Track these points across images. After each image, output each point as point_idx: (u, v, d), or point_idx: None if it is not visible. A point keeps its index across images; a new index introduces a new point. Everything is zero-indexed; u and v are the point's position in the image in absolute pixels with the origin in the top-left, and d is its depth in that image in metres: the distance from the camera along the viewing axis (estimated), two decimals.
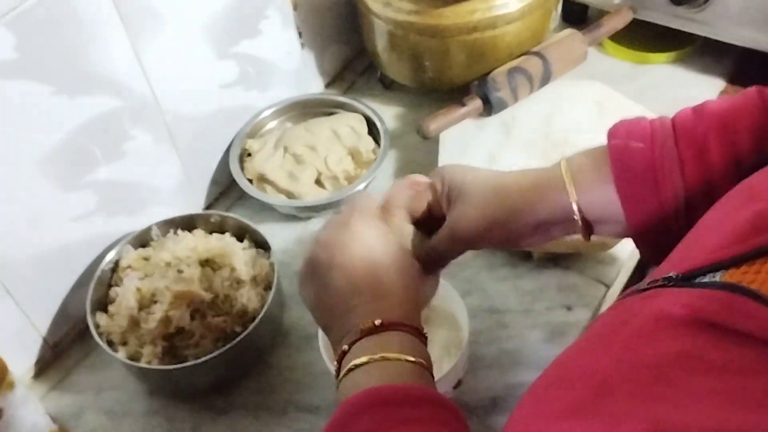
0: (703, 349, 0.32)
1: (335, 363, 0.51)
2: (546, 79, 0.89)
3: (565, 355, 0.41)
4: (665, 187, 0.51)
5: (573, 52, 0.91)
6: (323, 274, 0.54)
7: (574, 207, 0.53)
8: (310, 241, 0.56)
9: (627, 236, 0.55)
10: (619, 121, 0.55)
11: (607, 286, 0.77)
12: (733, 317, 0.32)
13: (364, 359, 0.48)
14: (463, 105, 0.87)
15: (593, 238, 0.56)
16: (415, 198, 0.60)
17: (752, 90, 0.52)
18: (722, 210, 0.44)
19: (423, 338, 0.52)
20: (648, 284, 0.41)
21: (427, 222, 0.60)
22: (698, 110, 0.53)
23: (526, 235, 0.56)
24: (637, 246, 0.55)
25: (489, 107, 0.87)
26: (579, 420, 0.33)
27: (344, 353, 0.50)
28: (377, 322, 0.49)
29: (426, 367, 0.49)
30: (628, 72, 0.99)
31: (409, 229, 0.58)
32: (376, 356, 0.48)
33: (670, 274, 0.40)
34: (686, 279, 0.39)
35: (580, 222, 0.54)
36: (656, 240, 0.53)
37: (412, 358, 0.48)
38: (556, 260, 0.78)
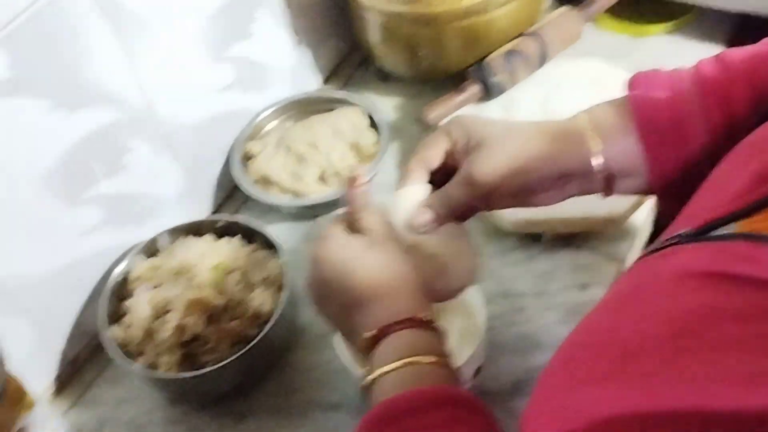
0: (726, 300, 0.32)
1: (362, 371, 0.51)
2: (543, 60, 0.88)
3: (588, 320, 0.40)
4: (690, 138, 0.50)
5: (568, 30, 0.90)
6: (324, 305, 0.54)
7: (596, 159, 0.52)
8: (304, 285, 0.57)
9: (647, 192, 0.55)
10: (637, 72, 0.54)
11: (621, 262, 0.76)
12: (751, 265, 0.32)
13: (371, 377, 0.47)
14: (462, 92, 0.87)
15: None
16: (430, 151, 0.57)
17: None
18: (731, 164, 0.44)
19: (431, 327, 0.50)
20: (664, 242, 0.41)
21: (444, 177, 0.57)
22: (721, 59, 0.52)
23: (545, 187, 0.54)
24: (659, 199, 0.55)
25: (488, 92, 0.87)
26: (609, 384, 0.32)
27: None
28: (368, 335, 0.49)
29: (437, 361, 0.47)
30: (625, 46, 0.98)
31: (424, 189, 0.57)
32: (382, 369, 0.47)
33: (686, 231, 0.39)
34: (699, 234, 0.39)
35: (600, 176, 0.53)
36: (678, 193, 0.51)
37: (422, 359, 0.47)
38: (568, 240, 0.78)
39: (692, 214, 0.43)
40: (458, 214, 0.57)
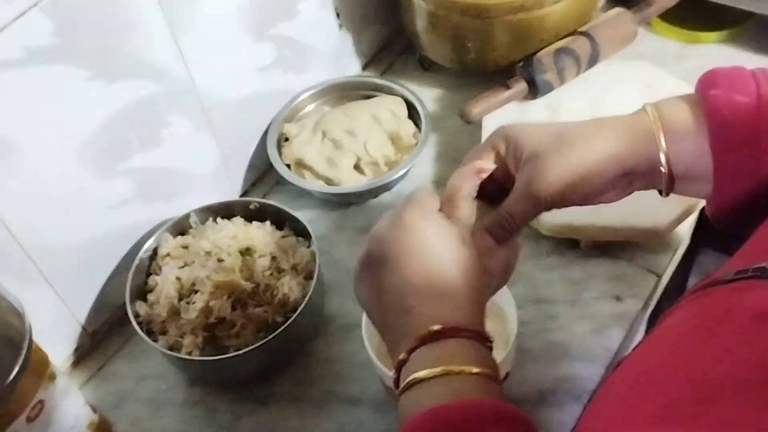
0: None
1: (393, 372, 0.47)
2: (594, 60, 0.86)
3: (647, 351, 0.38)
4: (766, 154, 0.46)
5: (621, 31, 0.87)
6: (377, 271, 0.49)
7: (662, 158, 0.48)
8: (366, 238, 0.52)
9: (708, 198, 0.51)
10: (712, 69, 0.50)
11: (658, 276, 0.74)
12: None
13: (424, 373, 0.43)
14: (508, 88, 0.84)
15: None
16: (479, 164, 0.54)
17: None
18: None
19: (487, 343, 0.47)
20: (735, 274, 0.38)
21: (491, 190, 0.54)
22: None
23: (610, 187, 0.50)
24: (715, 213, 0.51)
25: (534, 90, 0.84)
26: (679, 427, 0.30)
27: (403, 362, 0.46)
28: (435, 327, 0.45)
29: (492, 376, 0.44)
30: (677, 52, 0.95)
31: (471, 207, 0.53)
32: (437, 369, 0.43)
33: (763, 265, 0.37)
34: None
35: (665, 174, 0.49)
36: (739, 211, 0.48)
37: (477, 369, 0.43)
38: (605, 249, 0.76)
39: None
40: (521, 228, 0.53)
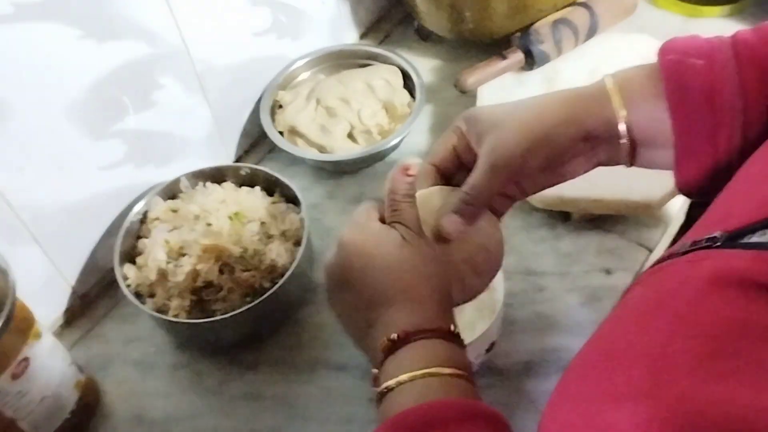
0: (766, 316, 0.30)
1: (373, 389, 0.46)
2: (592, 32, 0.85)
3: (608, 329, 0.38)
4: (723, 113, 0.45)
5: (622, 3, 0.86)
6: (339, 297, 0.50)
7: (621, 125, 0.48)
8: (323, 269, 0.51)
9: (671, 168, 0.50)
10: (672, 38, 0.50)
11: (649, 250, 0.74)
12: None
13: (392, 383, 0.43)
14: (504, 58, 0.83)
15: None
16: (438, 149, 0.55)
17: None
18: (762, 163, 0.41)
19: (454, 337, 0.46)
20: (690, 245, 0.38)
21: (461, 175, 0.53)
22: (760, 30, 0.47)
23: (572, 153, 0.50)
24: (679, 178, 0.50)
25: (531, 61, 0.84)
26: (638, 402, 0.30)
27: (376, 376, 0.46)
28: (393, 336, 0.45)
29: (459, 374, 0.44)
30: (679, 25, 0.94)
31: (440, 191, 0.53)
32: (404, 377, 0.43)
33: (715, 234, 0.37)
34: (733, 238, 0.36)
35: (625, 142, 0.49)
36: (704, 179, 0.48)
37: (446, 370, 0.43)
38: (596, 222, 0.75)
39: (724, 215, 0.40)
40: (489, 205, 0.52)
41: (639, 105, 0.48)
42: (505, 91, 0.83)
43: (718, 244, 0.36)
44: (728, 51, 0.46)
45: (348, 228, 0.50)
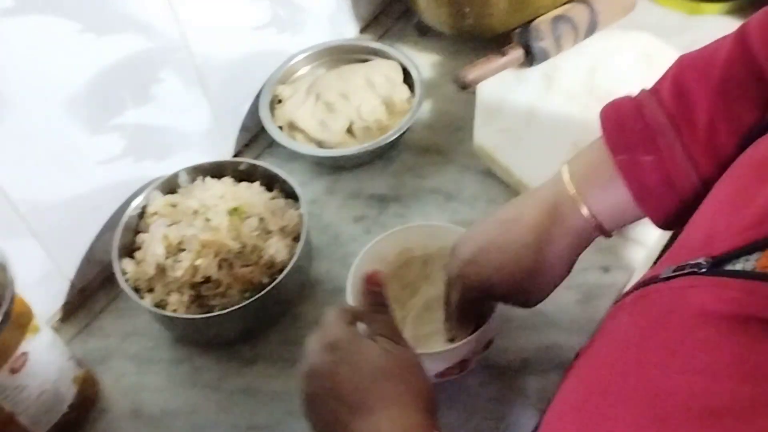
0: (760, 352, 0.30)
1: None
2: (592, 29, 0.84)
3: (597, 359, 0.38)
4: (684, 189, 0.49)
5: (621, 0, 0.86)
6: (318, 404, 0.49)
7: (595, 231, 0.53)
8: (300, 377, 0.51)
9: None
10: (607, 114, 0.52)
11: (646, 248, 0.74)
12: None
13: None
14: (503, 54, 0.83)
15: None
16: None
17: (736, 49, 0.48)
18: (734, 185, 0.42)
19: None
20: (674, 271, 0.38)
21: None
22: (681, 88, 0.50)
23: (556, 266, 0.55)
24: (659, 224, 0.53)
25: (530, 57, 0.84)
26: None
27: None
28: None
29: None
30: (679, 23, 0.94)
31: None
32: None
33: (700, 260, 0.37)
34: (717, 264, 0.36)
35: (596, 233, 0.54)
36: (677, 214, 0.51)
37: None
38: None
39: (706, 238, 0.40)
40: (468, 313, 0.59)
41: (602, 200, 0.52)
42: (505, 88, 0.83)
43: (704, 270, 0.36)
44: (669, 129, 0.49)
45: (322, 333, 0.51)
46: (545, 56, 0.84)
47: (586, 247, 0.55)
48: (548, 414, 0.39)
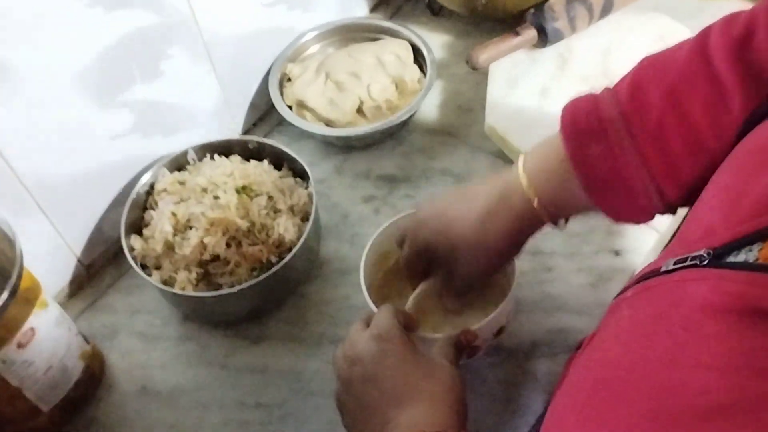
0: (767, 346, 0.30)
1: None
2: (607, 10, 0.83)
3: (601, 353, 0.38)
4: (632, 181, 0.49)
5: None
6: (358, 389, 0.52)
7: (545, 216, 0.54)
8: (338, 361, 0.55)
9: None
10: (567, 113, 0.52)
11: (659, 232, 0.73)
12: None
13: None
14: (517, 35, 0.82)
15: None
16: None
17: (694, 51, 0.49)
18: (736, 174, 0.41)
19: None
20: (675, 264, 0.38)
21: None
22: (637, 86, 0.50)
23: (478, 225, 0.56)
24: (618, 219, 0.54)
25: (544, 38, 0.82)
26: None
27: None
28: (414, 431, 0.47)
29: None
30: (695, 5, 0.92)
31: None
32: None
33: (701, 252, 0.36)
34: (719, 256, 0.35)
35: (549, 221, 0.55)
36: (630, 213, 0.52)
37: None
38: None
39: (706, 230, 0.39)
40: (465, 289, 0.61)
41: (551, 188, 0.53)
42: (518, 69, 0.82)
43: (705, 263, 0.36)
44: (620, 124, 0.49)
45: (378, 327, 0.54)
46: (559, 37, 0.82)
47: (532, 233, 0.56)
48: (551, 409, 0.39)
